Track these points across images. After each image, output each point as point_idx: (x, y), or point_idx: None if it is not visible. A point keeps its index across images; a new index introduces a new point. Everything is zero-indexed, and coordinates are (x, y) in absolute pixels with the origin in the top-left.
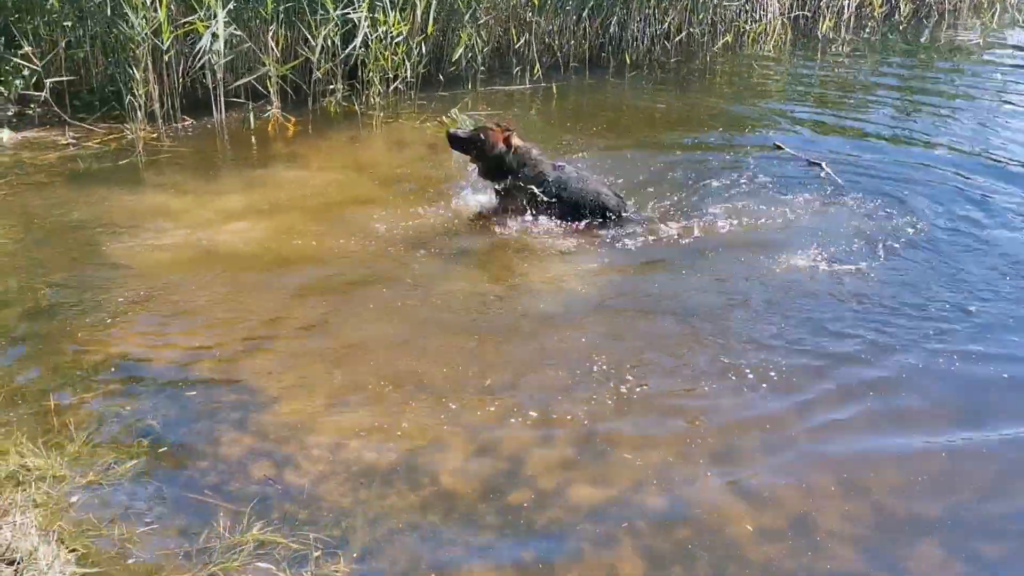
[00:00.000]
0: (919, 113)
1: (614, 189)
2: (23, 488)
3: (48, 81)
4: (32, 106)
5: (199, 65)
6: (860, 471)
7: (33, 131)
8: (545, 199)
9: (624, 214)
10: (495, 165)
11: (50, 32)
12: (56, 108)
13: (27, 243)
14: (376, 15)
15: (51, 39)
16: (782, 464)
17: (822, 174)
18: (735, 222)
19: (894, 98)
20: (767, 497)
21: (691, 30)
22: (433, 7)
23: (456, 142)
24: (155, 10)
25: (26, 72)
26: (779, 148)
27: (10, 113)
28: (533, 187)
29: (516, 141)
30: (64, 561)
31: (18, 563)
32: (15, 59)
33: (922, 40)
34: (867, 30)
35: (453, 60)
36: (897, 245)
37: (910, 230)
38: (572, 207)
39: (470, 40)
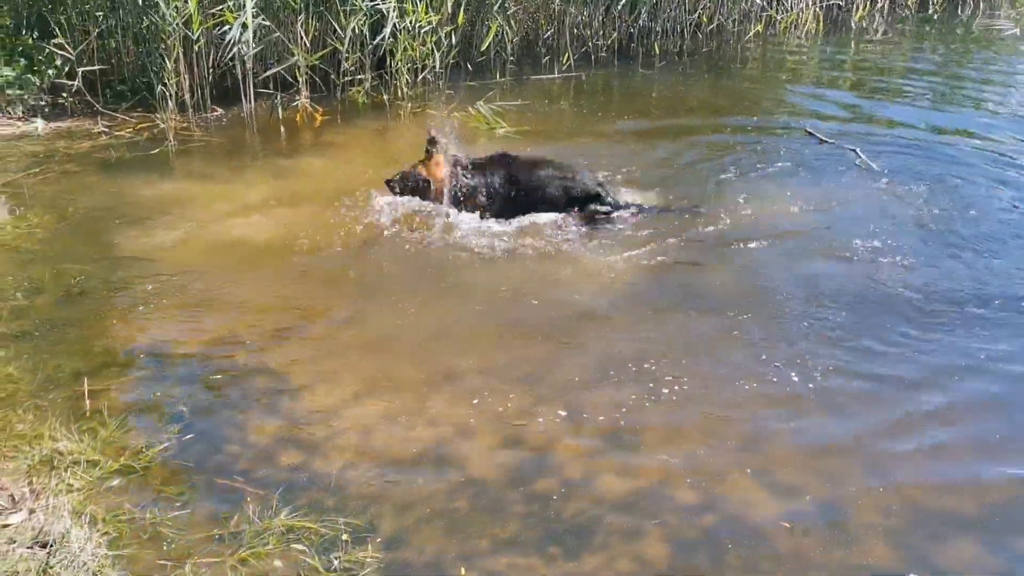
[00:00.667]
0: (954, 100)
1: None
2: (56, 472)
3: (80, 70)
4: (65, 96)
5: (229, 55)
6: (892, 462)
7: (66, 121)
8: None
9: (603, 195)
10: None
11: (82, 22)
12: (89, 98)
13: (60, 231)
14: (404, 5)
15: (83, 29)
16: (812, 456)
17: (857, 160)
18: (768, 210)
19: (929, 85)
20: (796, 488)
21: (722, 20)
22: None
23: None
24: (185, 0)
25: (59, 62)
26: (810, 134)
27: (44, 103)
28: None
29: (439, 172)
30: (96, 544)
31: (51, 545)
32: (49, 47)
33: (957, 29)
34: (901, 19)
35: (482, 50)
36: (934, 233)
37: (948, 218)
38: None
39: (500, 31)
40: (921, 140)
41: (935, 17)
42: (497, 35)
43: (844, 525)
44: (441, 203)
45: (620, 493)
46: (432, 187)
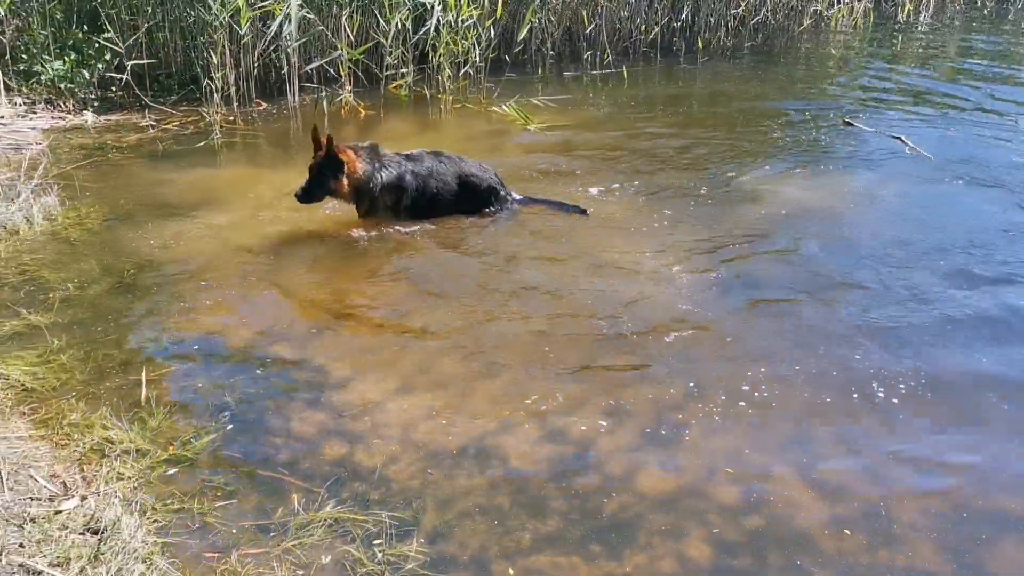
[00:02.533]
0: (1004, 92)
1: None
2: (107, 460)
3: (129, 64)
4: (114, 90)
5: (273, 48)
6: (938, 465)
7: (115, 114)
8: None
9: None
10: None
11: (131, 16)
12: (137, 91)
13: (110, 222)
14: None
15: (132, 24)
16: (857, 454)
17: (906, 149)
18: (818, 202)
19: (978, 77)
20: (842, 488)
21: (767, 14)
22: None
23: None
24: None
25: (108, 56)
26: (849, 124)
27: (93, 96)
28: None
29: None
30: (146, 532)
31: (102, 532)
32: (100, 40)
33: (1004, 25)
34: (949, 13)
35: (519, 39)
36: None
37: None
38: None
39: (539, 22)
40: (971, 126)
41: (985, 12)
42: (538, 29)
43: (889, 527)
44: (349, 199)
45: (662, 491)
46: (344, 176)
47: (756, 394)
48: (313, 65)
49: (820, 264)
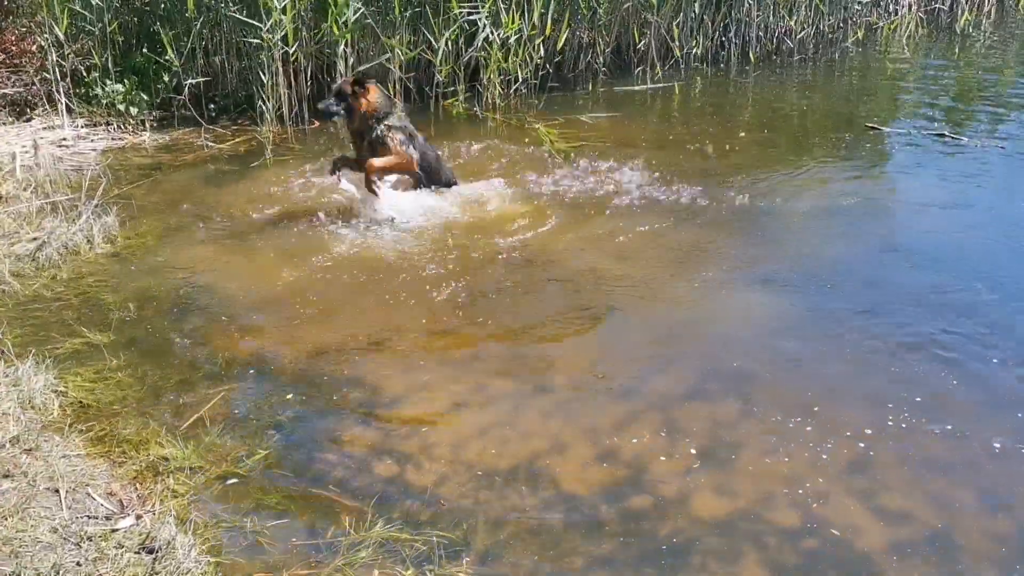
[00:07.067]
0: None
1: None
2: (162, 478)
3: (188, 82)
4: (172, 110)
5: (326, 67)
6: (1006, 487)
7: (172, 133)
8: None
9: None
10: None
11: (188, 39)
12: (193, 111)
13: (167, 243)
14: (498, 17)
15: (189, 46)
16: (919, 476)
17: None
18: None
19: None
20: (904, 513)
21: (819, 26)
22: (552, 8)
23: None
24: (283, 14)
25: (167, 77)
26: (874, 129)
27: (152, 117)
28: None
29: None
30: (199, 551)
31: (157, 551)
32: (163, 60)
33: None
34: (1010, 23)
35: (559, 49)
36: None
37: None
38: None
39: (588, 39)
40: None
41: None
42: (588, 46)
43: (954, 552)
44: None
45: (717, 513)
46: (364, 100)
47: (802, 407)
48: (364, 66)
49: (881, 279)
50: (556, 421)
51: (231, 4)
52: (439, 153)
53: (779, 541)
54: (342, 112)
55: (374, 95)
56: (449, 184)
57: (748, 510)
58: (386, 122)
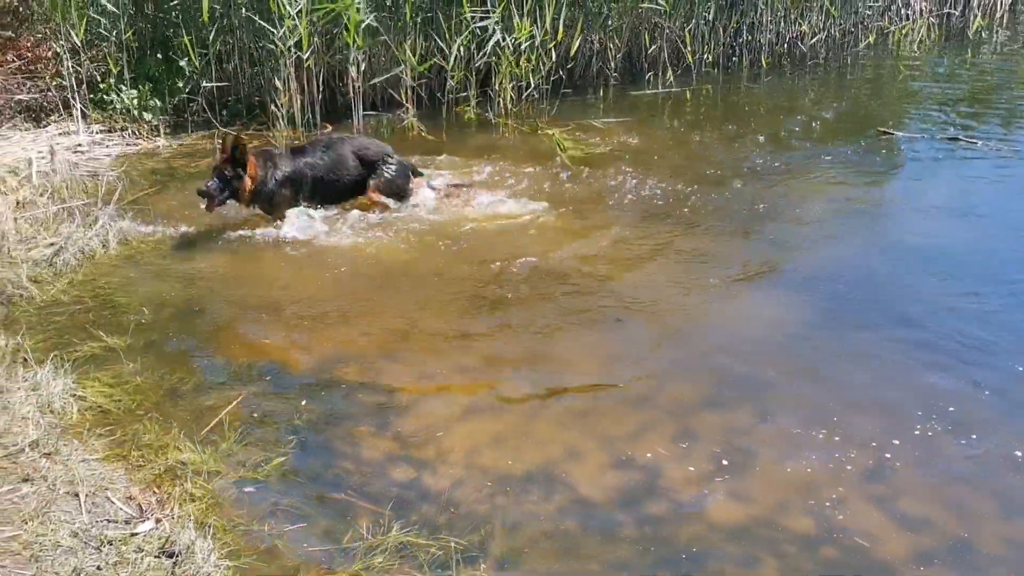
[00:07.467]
0: None
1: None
2: (181, 482)
3: (204, 85)
4: (186, 116)
5: (338, 73)
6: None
7: (186, 138)
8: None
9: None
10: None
11: (202, 44)
12: (208, 115)
13: (182, 247)
14: (509, 22)
15: (203, 52)
16: (939, 484)
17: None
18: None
19: None
20: (923, 520)
21: (831, 31)
22: (563, 14)
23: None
24: (296, 23)
25: (181, 83)
26: (886, 133)
27: (166, 122)
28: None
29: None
30: (218, 555)
31: (177, 555)
32: (176, 66)
33: None
34: (1022, 28)
35: (571, 55)
36: None
37: None
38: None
39: (600, 44)
40: None
41: None
42: (599, 52)
43: (975, 561)
44: (252, 200)
45: (734, 519)
46: (246, 187)
47: (817, 414)
48: (376, 80)
49: (896, 285)
50: (572, 427)
51: (243, 10)
52: (359, 143)
53: (797, 549)
54: (227, 197)
55: (254, 169)
56: (377, 165)
57: (765, 517)
58: (276, 179)
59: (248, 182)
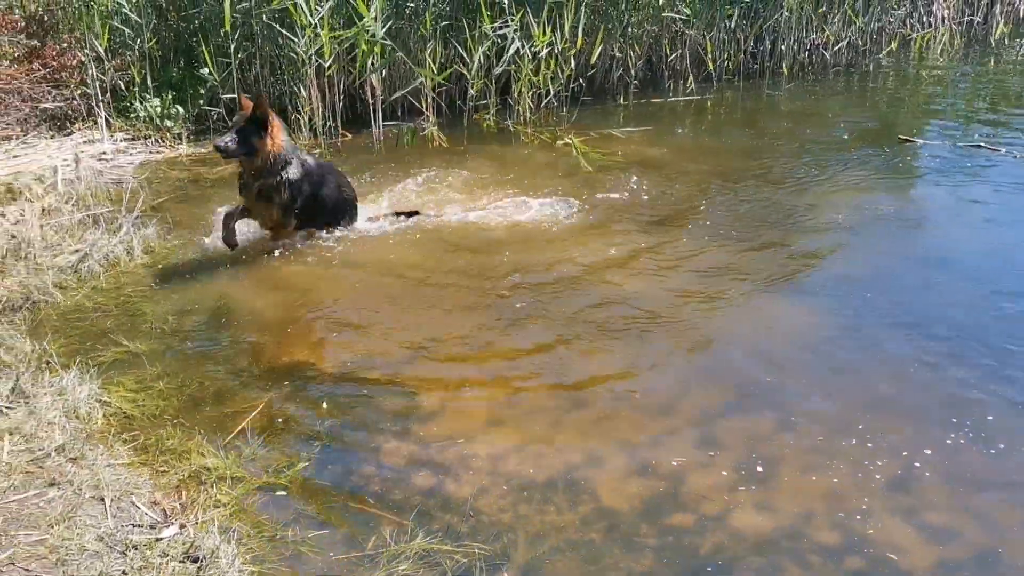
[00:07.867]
0: None
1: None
2: (204, 487)
3: (223, 97)
4: (207, 123)
5: (359, 83)
6: None
7: (208, 146)
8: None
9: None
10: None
11: (224, 53)
12: (229, 124)
13: (204, 253)
14: (529, 31)
15: (225, 60)
16: (965, 494)
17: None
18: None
19: None
20: (949, 531)
21: (852, 39)
22: (583, 22)
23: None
24: (316, 33)
25: (203, 91)
26: (908, 141)
27: (188, 130)
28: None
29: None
30: (242, 561)
31: (201, 560)
32: (199, 74)
33: None
34: None
35: (592, 62)
36: None
37: None
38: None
39: (620, 52)
40: None
41: None
42: (620, 59)
43: (1002, 572)
44: (264, 169)
45: (758, 530)
46: (266, 147)
47: (842, 424)
48: (397, 94)
49: (919, 293)
50: (593, 435)
51: (265, 17)
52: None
53: (822, 559)
54: (243, 152)
55: (279, 132)
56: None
57: (790, 527)
58: (290, 171)
59: (269, 142)
